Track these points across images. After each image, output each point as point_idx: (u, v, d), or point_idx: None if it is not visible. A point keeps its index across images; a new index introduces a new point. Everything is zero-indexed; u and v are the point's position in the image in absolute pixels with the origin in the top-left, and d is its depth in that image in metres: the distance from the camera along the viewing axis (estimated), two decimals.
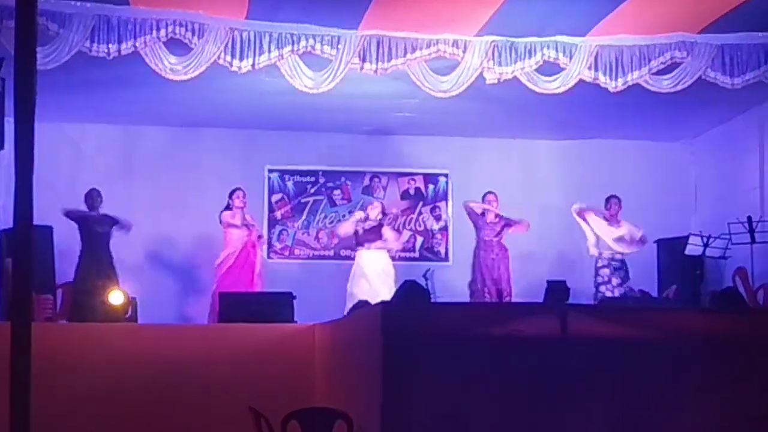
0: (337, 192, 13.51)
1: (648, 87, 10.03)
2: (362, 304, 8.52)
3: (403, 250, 13.46)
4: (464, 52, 9.72)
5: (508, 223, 11.52)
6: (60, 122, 12.12)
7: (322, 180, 13.46)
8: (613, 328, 5.72)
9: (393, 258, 11.48)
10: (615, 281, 11.38)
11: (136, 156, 12.87)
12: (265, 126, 12.92)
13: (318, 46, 9.47)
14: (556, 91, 9.97)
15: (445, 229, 13.69)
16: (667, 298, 11.67)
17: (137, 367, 7.57)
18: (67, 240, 11.01)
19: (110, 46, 9.03)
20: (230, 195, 11.12)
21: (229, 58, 9.33)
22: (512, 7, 9.05)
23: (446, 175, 13.68)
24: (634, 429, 5.60)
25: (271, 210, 13.30)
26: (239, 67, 9.39)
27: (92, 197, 10.83)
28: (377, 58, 9.60)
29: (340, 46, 9.50)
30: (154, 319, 10.42)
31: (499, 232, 11.47)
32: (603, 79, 9.89)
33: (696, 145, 13.84)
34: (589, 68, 9.84)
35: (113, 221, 10.82)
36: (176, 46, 9.27)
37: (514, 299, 11.21)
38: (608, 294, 11.24)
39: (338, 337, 7.43)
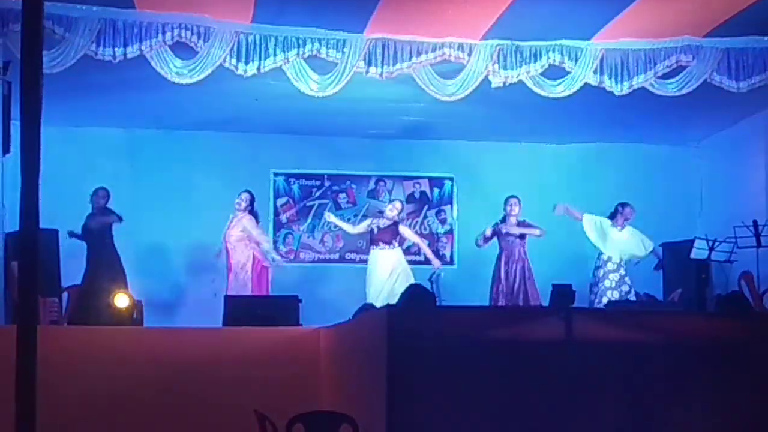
0: (342, 195, 13.51)
1: (653, 91, 10.02)
2: (368, 307, 8.53)
3: (409, 253, 13.45)
4: (470, 55, 9.72)
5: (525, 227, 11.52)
6: (66, 125, 12.13)
7: (327, 183, 13.47)
8: (619, 331, 5.72)
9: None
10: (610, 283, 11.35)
11: (141, 159, 12.87)
12: (270, 129, 12.92)
13: (323, 49, 9.48)
14: (562, 95, 9.96)
15: (450, 232, 13.68)
16: (673, 302, 11.65)
17: (143, 370, 7.58)
18: (73, 243, 11.01)
19: (116, 49, 9.05)
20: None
21: (234, 61, 9.34)
22: (518, 11, 9.05)
23: (451, 179, 13.68)
24: None
25: (276, 213, 13.30)
26: (245, 71, 9.40)
27: (96, 196, 10.82)
28: (383, 62, 9.61)
29: (345, 50, 9.51)
30: (160, 322, 10.43)
31: (519, 238, 11.44)
32: (608, 83, 9.89)
33: (702, 148, 13.82)
34: (595, 72, 9.84)
35: (105, 214, 10.80)
36: (182, 49, 9.28)
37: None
38: (604, 297, 11.21)
39: (344, 340, 7.43)
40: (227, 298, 9.47)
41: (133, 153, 12.89)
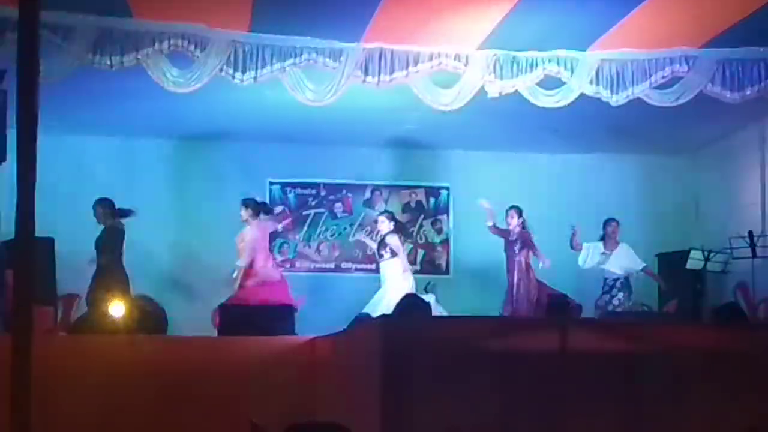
0: (338, 205, 13.52)
1: (649, 101, 10.04)
2: (363, 317, 8.53)
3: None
4: (466, 65, 9.73)
5: (528, 245, 11.57)
6: (62, 134, 12.12)
7: (323, 193, 13.48)
8: (613, 342, 5.71)
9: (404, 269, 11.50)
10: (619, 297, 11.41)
11: (137, 168, 12.88)
12: (266, 139, 12.93)
13: (320, 59, 9.49)
14: (558, 105, 9.98)
15: (446, 242, 13.69)
16: (668, 313, 11.67)
17: (137, 379, 7.55)
18: (69, 252, 11.00)
19: (113, 58, 9.04)
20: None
21: (231, 70, 9.34)
22: (514, 21, 9.06)
23: (447, 188, 13.70)
24: None
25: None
26: (241, 80, 9.40)
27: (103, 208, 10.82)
28: (379, 71, 9.62)
29: (342, 59, 9.51)
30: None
31: (519, 251, 11.52)
32: (604, 93, 9.90)
33: (697, 159, 13.85)
34: (591, 82, 9.85)
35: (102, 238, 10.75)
36: (178, 58, 9.28)
37: None
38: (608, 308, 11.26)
39: (339, 350, 7.41)
40: (222, 307, 9.46)
41: (129, 162, 12.89)
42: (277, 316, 8.89)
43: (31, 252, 3.60)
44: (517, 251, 11.54)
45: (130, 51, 9.07)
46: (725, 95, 9.98)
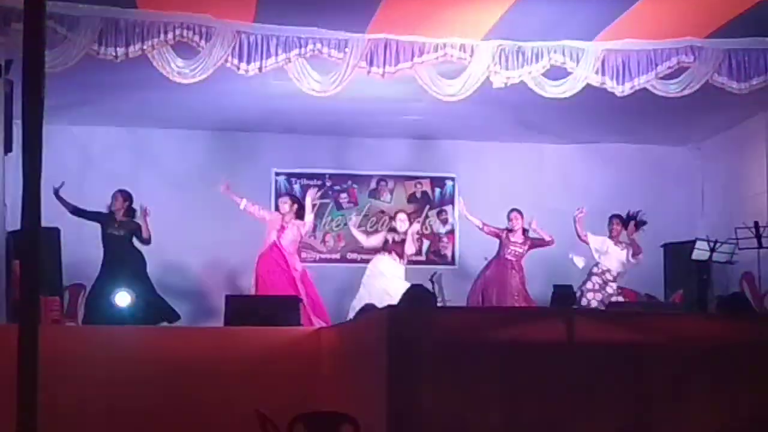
0: (343, 195, 13.52)
1: (655, 91, 10.02)
2: (369, 308, 8.53)
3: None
4: (471, 56, 9.72)
5: (535, 244, 11.57)
6: (68, 125, 12.16)
7: (328, 183, 13.48)
8: (620, 332, 5.71)
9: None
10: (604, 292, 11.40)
11: (143, 158, 12.89)
12: (272, 129, 12.93)
13: (325, 49, 9.48)
14: (563, 96, 9.96)
15: (451, 232, 13.69)
16: (674, 303, 11.67)
17: (144, 369, 7.57)
18: (75, 242, 11.03)
19: (118, 49, 9.05)
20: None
21: (236, 61, 9.34)
22: (519, 11, 9.05)
23: (453, 179, 13.69)
24: None
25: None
26: (246, 71, 9.39)
27: (113, 198, 10.79)
28: (384, 62, 9.61)
29: (347, 50, 9.51)
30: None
31: (523, 254, 11.54)
32: (610, 84, 9.88)
33: (703, 149, 13.83)
34: (596, 72, 9.83)
35: (132, 229, 10.75)
36: (183, 49, 9.29)
37: None
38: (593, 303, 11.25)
39: (345, 340, 7.43)
40: (228, 297, 9.47)
41: (135, 152, 12.90)
42: (283, 307, 8.89)
43: (38, 242, 3.61)
44: (509, 252, 11.51)
45: (135, 42, 9.08)
46: (731, 85, 9.96)
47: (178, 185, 12.78)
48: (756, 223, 11.23)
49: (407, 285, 10.97)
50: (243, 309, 8.73)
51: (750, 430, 5.70)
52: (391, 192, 13.59)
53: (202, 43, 9.23)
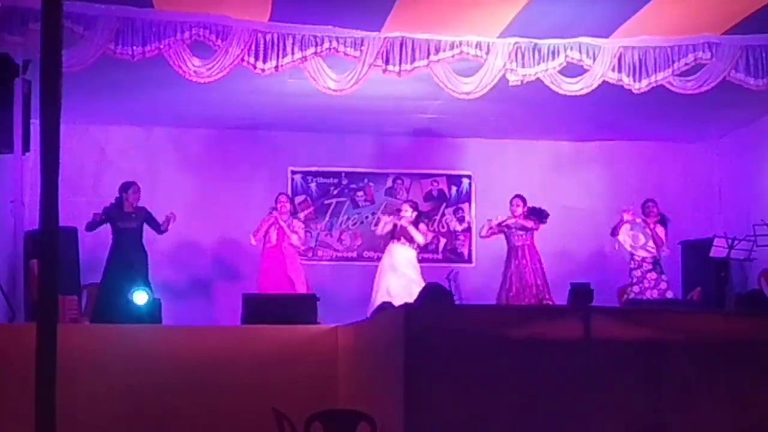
0: (360, 193, 13.51)
1: (672, 88, 9.98)
2: (386, 306, 8.53)
3: (426, 251, 13.45)
4: (487, 53, 9.70)
5: (524, 227, 11.43)
6: (85, 124, 12.18)
7: (345, 181, 13.47)
8: (637, 330, 5.70)
9: (417, 260, 11.45)
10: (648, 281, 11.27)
11: (159, 158, 12.91)
12: (288, 127, 12.94)
13: (341, 47, 9.49)
14: (580, 93, 9.94)
15: (468, 230, 13.67)
16: (692, 301, 11.62)
17: (161, 368, 7.60)
18: (92, 241, 11.06)
19: (134, 48, 9.08)
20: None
21: (252, 60, 9.35)
22: (535, 9, 9.03)
23: (469, 177, 13.66)
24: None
25: (294, 211, 13.29)
26: (263, 69, 9.41)
27: (122, 189, 10.77)
28: (400, 60, 9.60)
29: (363, 48, 9.51)
30: (178, 321, 10.46)
31: (520, 237, 11.40)
32: (627, 81, 9.85)
33: (720, 146, 13.77)
34: (613, 70, 9.81)
35: (143, 218, 10.70)
36: (200, 48, 9.31)
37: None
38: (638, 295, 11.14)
39: (361, 338, 7.43)
40: (245, 296, 9.48)
41: (151, 151, 12.92)
42: (299, 305, 8.90)
43: (56, 242, 3.62)
44: (518, 239, 11.42)
45: (152, 41, 9.11)
46: (749, 82, 9.91)
47: (195, 185, 12.80)
48: None
49: (416, 276, 11.04)
50: (260, 308, 8.74)
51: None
52: (408, 190, 13.58)
53: (219, 42, 9.25)
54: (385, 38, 9.54)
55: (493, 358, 5.47)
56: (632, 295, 11.13)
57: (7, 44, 8.71)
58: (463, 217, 13.68)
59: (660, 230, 11.29)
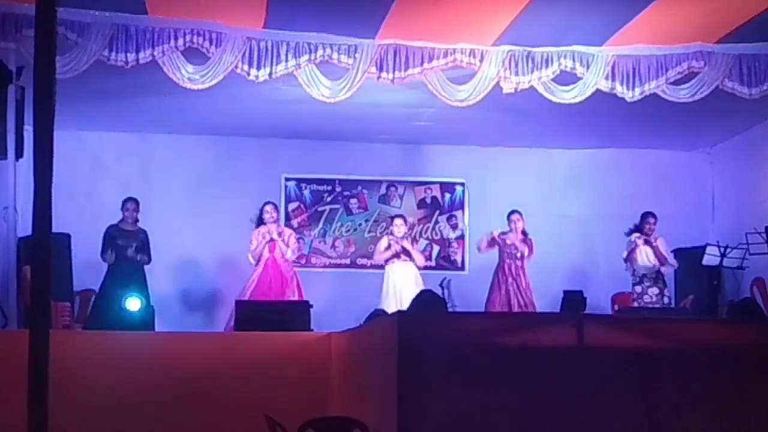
0: (353, 201, 13.52)
1: (665, 97, 10.00)
2: (379, 313, 8.53)
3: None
4: (481, 61, 9.72)
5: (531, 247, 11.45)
6: (78, 130, 12.18)
7: (338, 189, 13.48)
8: (630, 338, 5.70)
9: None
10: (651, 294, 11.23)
11: (153, 164, 12.91)
12: (282, 135, 12.95)
13: (335, 55, 9.50)
14: (573, 101, 9.95)
15: (461, 238, 13.67)
16: (684, 309, 11.63)
17: (154, 374, 7.59)
18: (85, 247, 11.05)
19: (128, 54, 9.08)
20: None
21: (246, 67, 9.36)
22: (529, 17, 9.04)
23: (463, 184, 13.67)
24: None
25: (287, 218, 13.30)
26: (256, 76, 9.42)
27: (125, 208, 10.72)
28: (394, 68, 9.62)
29: (357, 56, 9.52)
30: (171, 328, 10.46)
31: (522, 255, 11.40)
32: (620, 89, 9.87)
33: (713, 154, 13.80)
34: (606, 78, 9.83)
35: (139, 245, 10.69)
36: (194, 55, 9.31)
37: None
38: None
39: (355, 346, 7.43)
40: (238, 303, 9.49)
41: (145, 158, 12.92)
42: (293, 312, 8.90)
43: (49, 248, 3.62)
44: (512, 256, 11.41)
45: (146, 48, 9.11)
46: (742, 90, 9.94)
47: (189, 191, 12.80)
48: (767, 228, 11.20)
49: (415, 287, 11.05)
50: (253, 314, 8.74)
51: None
52: (401, 197, 13.59)
53: (213, 49, 9.26)
54: (379, 45, 9.55)
55: (487, 365, 5.47)
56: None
57: (0, 50, 8.72)
58: (457, 224, 13.69)
59: (662, 243, 11.27)
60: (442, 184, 13.71)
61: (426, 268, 13.14)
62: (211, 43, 9.25)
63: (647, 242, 11.21)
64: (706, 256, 11.44)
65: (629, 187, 13.38)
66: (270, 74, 9.43)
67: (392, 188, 13.62)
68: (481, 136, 13.01)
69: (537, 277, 11.81)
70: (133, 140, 12.91)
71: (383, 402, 5.70)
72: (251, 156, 13.13)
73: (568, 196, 13.42)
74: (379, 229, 13.35)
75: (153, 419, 7.49)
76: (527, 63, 9.77)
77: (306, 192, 13.39)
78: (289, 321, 8.53)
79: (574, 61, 9.79)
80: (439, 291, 10.81)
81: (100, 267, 10.77)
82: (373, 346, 6.47)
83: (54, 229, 3.65)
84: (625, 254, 11.26)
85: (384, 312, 8.78)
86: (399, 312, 7.02)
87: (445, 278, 11.82)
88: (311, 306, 9.12)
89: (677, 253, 12.62)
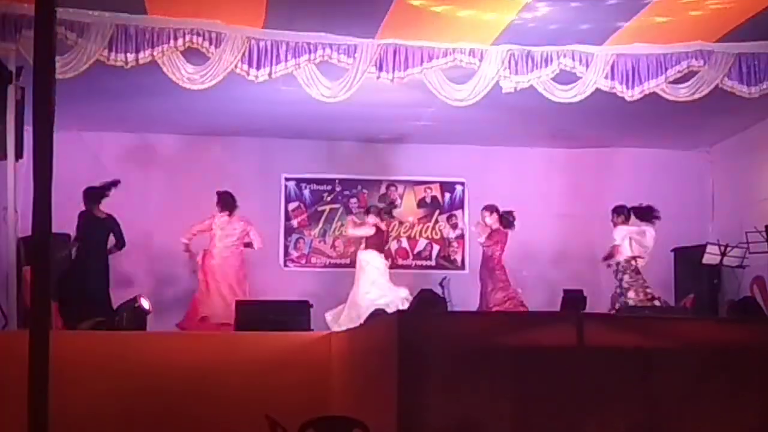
0: (353, 200, 13.52)
1: (665, 96, 10.00)
2: (379, 313, 8.54)
3: (420, 258, 13.47)
4: (480, 61, 9.72)
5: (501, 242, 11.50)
6: (78, 130, 12.17)
7: (338, 188, 13.48)
8: (630, 337, 5.70)
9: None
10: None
11: (153, 164, 12.91)
12: (281, 134, 12.95)
13: (335, 55, 9.49)
14: (573, 100, 9.95)
15: (461, 237, 13.68)
16: (685, 307, 11.63)
17: (155, 374, 7.60)
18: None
19: (128, 55, 9.08)
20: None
21: (246, 67, 9.36)
22: (529, 16, 9.04)
23: (462, 184, 13.68)
24: None
25: (287, 218, 13.32)
26: (256, 77, 9.42)
27: (89, 198, 10.63)
28: (394, 67, 9.62)
29: (356, 55, 9.52)
30: (167, 327, 10.45)
31: (490, 248, 11.44)
32: (619, 88, 9.87)
33: (713, 153, 13.80)
34: (606, 77, 9.83)
35: (111, 230, 10.60)
36: (193, 55, 9.31)
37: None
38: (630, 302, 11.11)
39: (354, 345, 7.43)
40: (238, 303, 9.48)
41: (145, 158, 12.92)
42: (293, 312, 8.91)
43: (49, 248, 3.62)
44: (491, 249, 11.47)
45: (146, 48, 9.11)
46: (741, 89, 9.93)
47: (188, 191, 12.78)
48: (767, 227, 11.20)
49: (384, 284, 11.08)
50: (253, 314, 8.74)
51: None
52: (401, 197, 13.60)
53: (212, 49, 9.25)
54: (378, 45, 9.55)
55: (487, 364, 5.47)
56: (631, 302, 11.09)
57: (0, 51, 8.72)
58: (457, 223, 13.69)
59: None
60: (442, 183, 13.72)
61: (426, 267, 13.18)
62: (210, 43, 9.25)
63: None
64: (706, 255, 11.45)
65: (629, 186, 13.36)
66: (270, 74, 9.43)
67: (392, 188, 13.62)
68: (481, 136, 13.01)
69: (537, 275, 11.82)
70: (133, 140, 12.91)
71: (383, 401, 5.70)
72: (251, 156, 13.13)
73: (568, 196, 13.41)
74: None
75: (153, 419, 7.49)
76: (527, 62, 9.77)
77: (306, 192, 13.40)
78: (289, 321, 8.53)
79: (573, 60, 9.79)
80: (438, 290, 10.83)
81: None
82: (373, 346, 6.47)
83: (54, 230, 3.65)
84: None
85: (383, 311, 8.79)
86: (399, 311, 7.03)
87: (445, 277, 11.83)
88: (311, 306, 9.12)
89: (677, 252, 12.63)
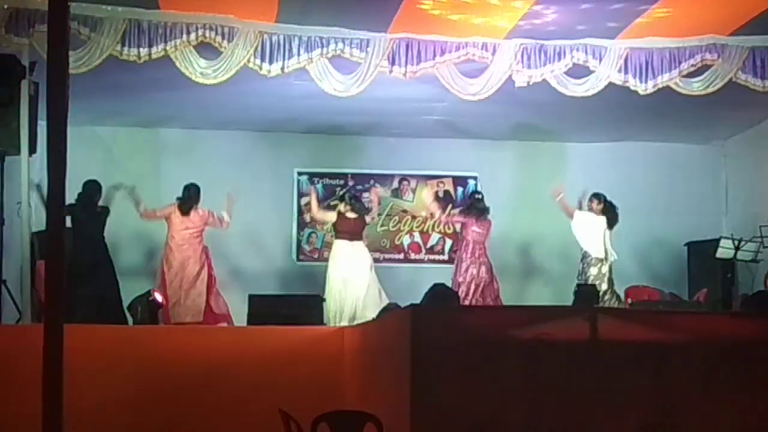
0: (366, 195, 13.50)
1: (678, 90, 9.97)
2: (392, 307, 8.54)
3: (433, 252, 13.46)
4: (493, 55, 9.70)
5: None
6: (91, 125, 12.21)
7: (351, 183, 13.47)
8: (644, 331, 5.69)
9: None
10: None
11: (166, 158, 12.93)
12: (294, 129, 12.95)
13: (347, 49, 9.49)
14: (586, 94, 9.93)
15: None
16: (698, 302, 11.61)
17: (168, 368, 7.61)
18: None
19: (141, 49, 9.09)
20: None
21: (258, 61, 9.36)
22: (542, 10, 9.02)
23: (475, 178, 13.66)
24: None
25: (300, 213, 13.32)
26: (269, 71, 9.42)
27: (90, 190, 10.53)
28: (406, 62, 9.60)
29: (369, 50, 9.51)
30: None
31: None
32: (633, 82, 9.84)
33: (727, 147, 13.75)
34: (619, 71, 9.80)
35: (105, 218, 10.53)
36: (206, 49, 9.32)
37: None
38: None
39: (368, 339, 7.44)
40: (251, 297, 9.49)
41: (158, 153, 12.94)
42: (306, 306, 8.92)
43: (63, 243, 3.63)
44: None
45: (158, 42, 9.12)
46: (755, 83, 9.89)
47: (201, 186, 12.79)
48: None
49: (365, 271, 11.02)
50: (266, 308, 8.75)
51: None
52: (414, 191, 13.59)
53: (225, 43, 9.26)
54: (391, 39, 9.54)
55: (500, 358, 5.46)
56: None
57: (14, 46, 8.75)
58: None
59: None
60: (454, 178, 13.70)
61: (439, 261, 13.16)
62: (223, 38, 9.26)
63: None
64: (719, 249, 11.42)
65: (642, 180, 13.34)
66: (282, 69, 9.43)
67: (405, 182, 13.61)
68: (494, 130, 12.99)
69: (550, 269, 11.80)
70: (146, 135, 12.93)
71: (396, 396, 5.70)
72: (263, 150, 13.14)
73: (581, 190, 13.36)
74: (392, 223, 13.36)
75: (166, 413, 7.52)
76: (540, 56, 9.75)
77: (318, 186, 13.38)
78: (301, 315, 8.55)
79: (586, 54, 9.76)
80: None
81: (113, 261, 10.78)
82: (386, 340, 6.47)
83: (67, 224, 3.67)
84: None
85: (396, 305, 8.79)
86: (412, 305, 7.02)
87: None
88: (324, 300, 9.14)
89: (691, 246, 12.59)
